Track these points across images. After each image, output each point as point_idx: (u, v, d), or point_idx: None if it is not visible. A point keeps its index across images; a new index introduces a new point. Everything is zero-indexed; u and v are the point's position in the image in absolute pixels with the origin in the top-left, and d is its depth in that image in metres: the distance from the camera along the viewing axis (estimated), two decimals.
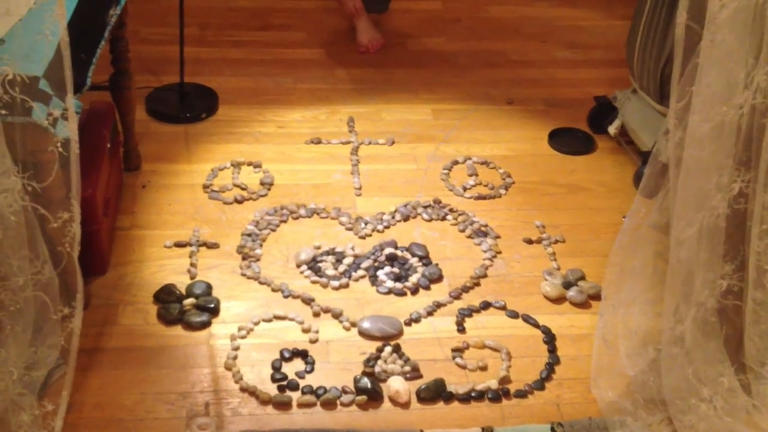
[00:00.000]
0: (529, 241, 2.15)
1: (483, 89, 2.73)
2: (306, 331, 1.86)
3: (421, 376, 1.78)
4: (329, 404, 1.70)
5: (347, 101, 2.64)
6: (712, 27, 1.34)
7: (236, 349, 1.81)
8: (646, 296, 1.72)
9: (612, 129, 2.46)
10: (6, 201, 1.39)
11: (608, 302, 1.79)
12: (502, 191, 2.32)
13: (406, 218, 2.20)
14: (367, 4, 2.87)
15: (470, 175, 2.37)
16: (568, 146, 2.49)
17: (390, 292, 1.98)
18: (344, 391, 1.72)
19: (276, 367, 1.77)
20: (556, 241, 2.16)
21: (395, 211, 2.22)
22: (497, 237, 2.16)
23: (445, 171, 2.38)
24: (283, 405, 1.70)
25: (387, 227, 2.17)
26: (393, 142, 2.48)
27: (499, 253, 2.11)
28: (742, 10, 1.30)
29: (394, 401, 1.72)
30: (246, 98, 2.61)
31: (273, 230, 2.14)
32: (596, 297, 1.97)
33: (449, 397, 1.73)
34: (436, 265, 2.05)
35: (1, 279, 1.45)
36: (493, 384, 1.76)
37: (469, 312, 1.94)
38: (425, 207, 2.24)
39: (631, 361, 1.72)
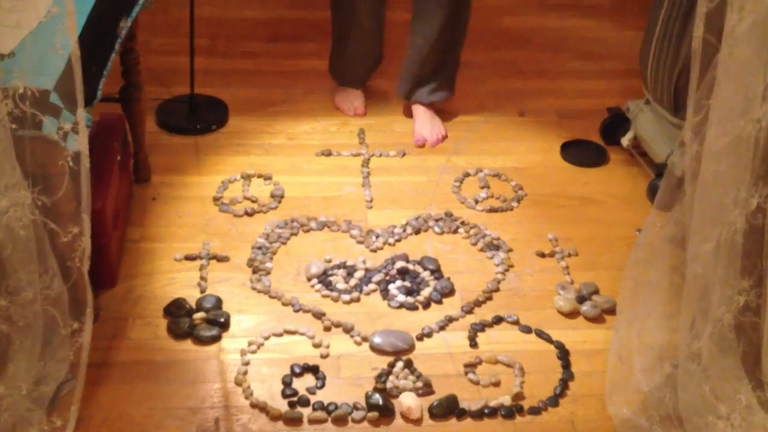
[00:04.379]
0: (542, 255, 2.13)
1: (494, 100, 2.72)
2: (317, 345, 1.85)
3: (433, 392, 1.75)
4: (340, 420, 1.68)
5: (359, 115, 2.62)
6: (730, 40, 1.32)
7: (246, 364, 1.79)
8: (662, 311, 1.70)
9: (625, 141, 2.44)
10: (16, 215, 1.38)
11: (623, 317, 1.77)
12: (514, 204, 2.30)
13: (417, 231, 2.19)
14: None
15: (482, 188, 2.35)
16: (580, 158, 2.47)
17: (401, 306, 1.96)
18: (355, 408, 1.70)
19: (286, 383, 1.75)
20: (569, 255, 2.13)
21: (406, 224, 2.20)
22: (509, 250, 2.14)
23: (457, 183, 2.36)
24: (294, 421, 1.68)
25: (398, 240, 2.15)
26: (404, 154, 2.46)
27: (512, 266, 2.09)
28: (760, 24, 1.28)
29: (405, 418, 1.70)
30: (256, 110, 2.60)
31: (283, 243, 2.12)
32: (610, 311, 1.94)
33: (462, 414, 1.71)
34: (448, 278, 2.04)
35: (10, 294, 1.44)
36: (507, 400, 1.73)
37: (482, 326, 1.92)
38: (437, 220, 2.22)
39: (647, 377, 1.70)
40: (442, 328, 1.92)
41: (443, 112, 2.59)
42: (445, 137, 2.51)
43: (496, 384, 1.78)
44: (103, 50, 1.83)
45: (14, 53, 1.52)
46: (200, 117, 2.52)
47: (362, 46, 2.57)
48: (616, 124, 2.50)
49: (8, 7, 1.45)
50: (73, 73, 1.37)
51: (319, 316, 1.92)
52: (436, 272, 2.05)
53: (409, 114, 2.58)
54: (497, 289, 2.02)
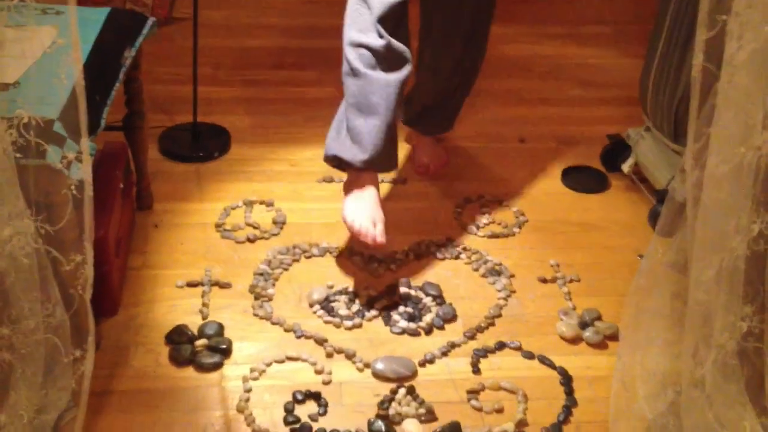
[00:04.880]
0: (544, 280, 2.13)
1: (495, 127, 2.73)
2: (319, 372, 1.84)
3: (436, 419, 1.75)
4: None
5: None
6: (729, 68, 1.33)
7: (248, 391, 1.78)
8: (665, 337, 1.69)
9: (625, 167, 2.45)
10: (19, 243, 1.38)
11: (626, 343, 1.76)
12: (516, 230, 2.30)
13: (419, 257, 2.19)
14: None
15: (483, 214, 2.36)
16: (581, 184, 2.48)
17: (404, 332, 1.96)
18: None
19: (289, 410, 1.74)
20: (571, 280, 2.13)
21: (408, 249, 2.20)
22: (511, 276, 2.14)
23: (458, 209, 2.37)
24: None
25: (400, 266, 2.15)
26: (405, 180, 2.47)
27: (514, 292, 2.09)
28: (759, 52, 1.29)
29: None
30: (258, 137, 2.61)
31: (285, 269, 2.13)
32: (613, 338, 1.94)
33: None
34: (450, 304, 2.03)
35: (12, 322, 1.44)
36: (510, 427, 1.72)
37: (484, 353, 1.91)
38: (438, 245, 2.22)
39: (650, 403, 1.69)
40: (444, 354, 1.91)
41: (444, 139, 2.60)
42: (446, 163, 2.51)
43: (500, 410, 1.77)
44: (107, 79, 1.85)
45: (19, 83, 1.54)
46: (203, 144, 2.54)
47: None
48: (616, 150, 2.51)
49: (13, 37, 1.47)
50: (78, 102, 1.38)
51: (321, 342, 1.92)
52: (438, 298, 2.05)
53: (410, 140, 2.59)
54: (499, 315, 2.02)
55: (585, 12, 3.43)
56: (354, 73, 2.00)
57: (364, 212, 2.01)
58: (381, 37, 1.97)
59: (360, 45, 1.98)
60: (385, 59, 1.99)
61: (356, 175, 2.06)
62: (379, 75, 1.98)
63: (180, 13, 3.23)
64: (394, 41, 1.98)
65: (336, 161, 2.08)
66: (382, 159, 2.04)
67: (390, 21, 1.97)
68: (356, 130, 2.01)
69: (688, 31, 2.12)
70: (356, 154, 2.02)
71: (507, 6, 3.39)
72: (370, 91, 1.99)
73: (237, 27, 3.21)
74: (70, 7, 1.27)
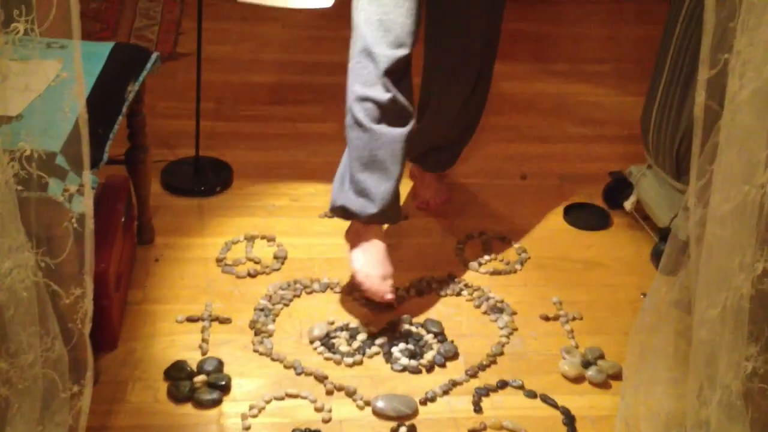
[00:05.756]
0: (546, 318, 2.12)
1: (497, 164, 2.73)
2: (319, 410, 1.82)
3: None
4: None
5: None
6: (732, 106, 1.33)
7: (247, 428, 1.76)
8: (669, 377, 1.68)
9: (628, 205, 2.45)
10: (18, 276, 1.37)
11: (629, 383, 1.74)
12: (518, 266, 2.29)
13: (420, 293, 2.18)
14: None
15: (485, 250, 2.35)
16: (583, 222, 2.48)
17: (405, 369, 1.94)
18: None
19: None
20: (574, 318, 2.12)
21: (410, 286, 2.19)
22: (514, 313, 2.13)
23: (460, 246, 2.36)
24: None
25: (401, 303, 2.14)
26: (407, 217, 2.47)
27: (516, 330, 2.08)
28: (761, 91, 1.29)
29: None
30: (260, 172, 2.61)
31: (286, 305, 2.11)
32: (616, 377, 1.92)
33: None
34: (452, 341, 2.02)
35: (10, 356, 1.42)
36: None
37: (486, 391, 1.89)
38: (440, 282, 2.21)
39: None
40: (445, 392, 1.89)
41: (447, 176, 2.60)
42: (448, 200, 2.51)
43: None
44: (111, 113, 1.85)
45: (22, 116, 1.54)
46: (205, 179, 2.54)
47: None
48: (618, 188, 2.51)
49: (18, 70, 1.47)
50: (80, 135, 1.38)
51: (321, 379, 1.90)
52: (440, 335, 2.04)
53: (413, 175, 2.58)
54: (501, 353, 2.00)
55: (586, 50, 3.45)
56: (360, 126, 1.99)
57: (375, 269, 2.02)
58: (387, 90, 1.96)
59: (366, 99, 1.97)
60: (391, 112, 1.98)
61: (363, 227, 2.05)
62: (385, 130, 1.98)
63: (184, 48, 3.25)
64: (399, 95, 1.98)
65: (343, 212, 2.06)
66: (391, 213, 2.05)
67: (395, 74, 1.97)
68: (362, 184, 2.00)
69: (689, 68, 2.13)
70: (365, 207, 2.01)
71: (509, 44, 3.42)
72: (377, 146, 1.98)
73: (240, 62, 3.23)
74: (75, 41, 1.27)
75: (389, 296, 2.01)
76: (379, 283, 2.01)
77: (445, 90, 2.31)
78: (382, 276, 2.02)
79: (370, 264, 2.02)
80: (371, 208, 2.00)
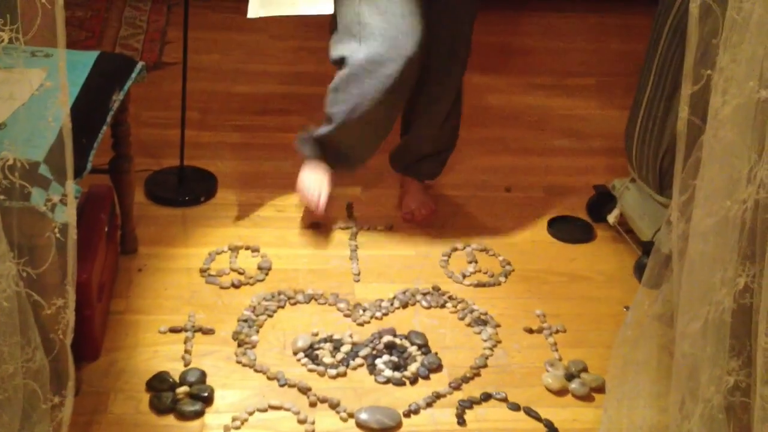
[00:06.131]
0: (530, 331, 2.12)
1: (481, 176, 2.74)
2: (302, 422, 1.81)
3: None
4: None
5: (346, 186, 2.63)
6: (714, 122, 1.34)
7: None
8: (651, 390, 1.68)
9: (611, 218, 2.46)
10: (0, 287, 1.36)
11: (612, 396, 1.75)
12: (502, 279, 2.30)
13: (404, 305, 2.18)
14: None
15: (469, 262, 2.35)
16: (567, 234, 2.49)
17: (388, 381, 1.94)
18: None
19: None
20: (557, 331, 2.12)
21: (394, 297, 2.19)
22: (497, 326, 2.13)
23: (444, 257, 2.36)
24: None
25: (386, 314, 2.14)
26: (391, 228, 2.47)
27: (500, 342, 2.08)
28: (743, 107, 1.31)
29: None
30: (245, 182, 2.61)
31: (270, 316, 2.11)
32: (599, 390, 1.93)
33: None
34: (436, 354, 2.02)
35: None
36: None
37: (470, 404, 1.89)
38: (424, 294, 2.21)
39: None
40: (429, 404, 1.89)
41: (431, 187, 2.61)
42: (433, 211, 2.52)
43: None
44: (95, 122, 1.85)
45: (5, 124, 1.53)
46: (189, 189, 2.53)
47: (369, 139, 2.34)
48: (602, 201, 2.52)
49: (2, 79, 1.47)
50: (64, 145, 1.37)
51: (304, 391, 1.89)
52: (424, 347, 2.04)
53: (402, 186, 2.59)
54: (485, 365, 2.00)
55: (570, 64, 3.47)
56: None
57: (313, 184, 2.32)
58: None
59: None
60: None
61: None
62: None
63: (169, 58, 3.24)
64: None
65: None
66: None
67: None
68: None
69: (672, 83, 2.15)
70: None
71: (494, 57, 3.45)
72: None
73: (225, 72, 3.22)
74: (60, 50, 1.27)
75: (321, 208, 2.31)
76: (312, 195, 2.31)
77: (434, 88, 2.35)
78: (318, 191, 2.31)
79: (311, 180, 2.32)
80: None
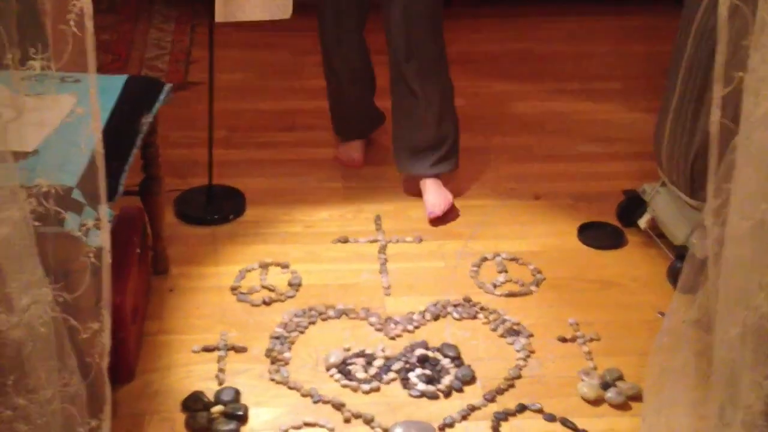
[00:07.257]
0: (564, 340, 2.10)
1: (509, 184, 2.73)
2: None
3: None
4: None
5: (373, 199, 2.64)
6: (747, 125, 1.32)
7: None
8: (690, 397, 1.66)
9: (642, 223, 2.44)
10: (37, 312, 1.37)
11: (650, 404, 1.72)
12: (533, 288, 2.28)
13: (436, 317, 2.17)
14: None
15: (500, 272, 2.34)
16: (598, 241, 2.47)
17: (422, 395, 1.93)
18: None
19: None
20: (591, 339, 2.10)
21: (425, 310, 2.18)
22: (530, 336, 2.11)
23: (474, 268, 2.35)
24: None
25: (417, 327, 2.13)
26: (421, 240, 2.46)
27: (533, 352, 2.06)
28: None
29: None
30: (273, 198, 2.62)
31: (302, 332, 2.11)
32: (636, 398, 1.90)
33: None
34: (469, 366, 2.01)
35: (29, 392, 1.42)
36: None
37: (505, 416, 1.88)
38: (455, 306, 2.20)
39: None
40: (464, 417, 1.88)
41: (458, 197, 2.60)
42: (451, 203, 2.52)
43: None
44: (125, 146, 1.86)
45: (38, 151, 1.55)
46: (218, 207, 2.54)
47: (349, 96, 2.71)
48: (632, 206, 2.49)
49: (33, 106, 1.48)
50: (96, 170, 1.38)
51: (338, 407, 1.89)
52: (457, 359, 2.02)
53: (411, 191, 2.61)
54: (519, 376, 1.99)
55: (595, 68, 3.45)
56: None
57: (348, 151, 2.77)
58: None
59: None
60: None
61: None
62: None
63: (194, 77, 3.27)
64: None
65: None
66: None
67: None
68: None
69: (701, 84, 2.12)
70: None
71: (517, 64, 3.44)
72: None
73: (250, 90, 3.24)
74: (90, 76, 1.28)
75: (358, 161, 2.74)
76: (349, 153, 2.75)
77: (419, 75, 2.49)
78: (353, 148, 2.75)
79: (345, 146, 2.77)
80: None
